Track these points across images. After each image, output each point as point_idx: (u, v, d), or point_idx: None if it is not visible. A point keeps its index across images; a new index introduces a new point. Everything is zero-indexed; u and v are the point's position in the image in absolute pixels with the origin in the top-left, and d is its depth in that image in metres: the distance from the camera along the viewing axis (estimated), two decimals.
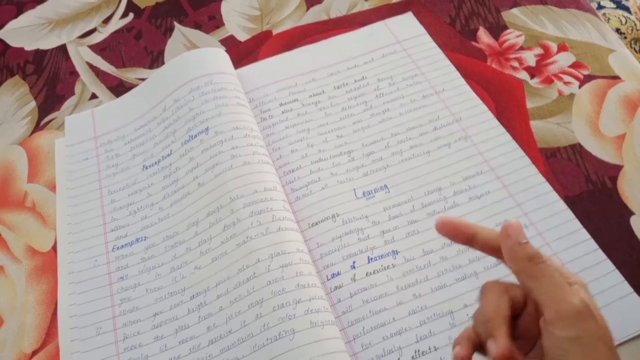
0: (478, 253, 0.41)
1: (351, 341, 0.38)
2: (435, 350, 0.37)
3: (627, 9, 1.10)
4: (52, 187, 0.49)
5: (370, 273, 0.41)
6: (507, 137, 0.47)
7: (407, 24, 0.56)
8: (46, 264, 0.45)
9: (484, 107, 0.49)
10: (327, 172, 0.46)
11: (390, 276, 0.41)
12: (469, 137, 0.47)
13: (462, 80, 0.51)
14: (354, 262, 0.41)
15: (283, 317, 0.37)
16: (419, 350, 0.37)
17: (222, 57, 0.52)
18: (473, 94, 0.50)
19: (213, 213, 0.43)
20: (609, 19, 1.09)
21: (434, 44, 0.54)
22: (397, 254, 0.42)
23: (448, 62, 0.52)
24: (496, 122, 0.48)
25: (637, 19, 1.08)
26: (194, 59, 0.51)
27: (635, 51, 1.04)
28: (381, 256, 0.42)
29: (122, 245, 0.44)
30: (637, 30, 1.07)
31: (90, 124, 0.52)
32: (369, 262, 0.41)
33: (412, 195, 0.45)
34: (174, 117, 0.49)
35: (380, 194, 0.45)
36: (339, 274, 0.41)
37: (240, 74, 0.53)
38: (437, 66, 0.52)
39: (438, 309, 0.39)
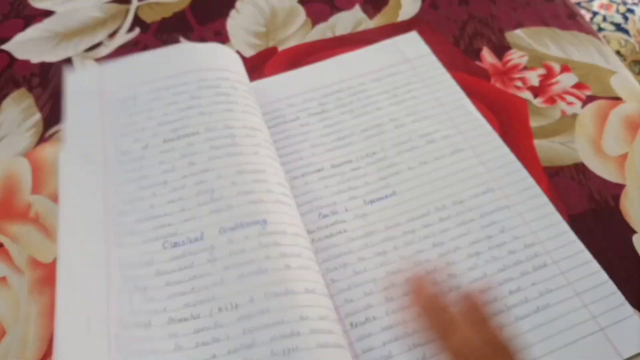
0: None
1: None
2: None
3: (626, 31, 1.13)
4: (56, 199, 0.48)
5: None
6: (512, 157, 0.47)
7: (413, 43, 0.57)
8: (49, 276, 0.45)
9: (489, 127, 0.49)
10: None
11: None
12: (476, 155, 0.48)
13: (467, 100, 0.51)
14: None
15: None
16: None
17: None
18: (479, 114, 0.50)
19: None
20: (608, 41, 1.11)
21: (439, 64, 0.54)
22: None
23: (454, 82, 0.53)
24: (501, 142, 0.48)
25: (636, 41, 1.10)
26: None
27: (635, 73, 1.06)
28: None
29: None
30: (637, 52, 1.09)
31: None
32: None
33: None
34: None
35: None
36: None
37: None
38: (443, 85, 0.53)
39: None
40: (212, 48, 0.52)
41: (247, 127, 0.46)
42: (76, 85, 0.50)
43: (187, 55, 0.51)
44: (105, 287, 0.40)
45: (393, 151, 0.49)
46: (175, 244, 0.41)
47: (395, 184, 0.47)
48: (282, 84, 0.55)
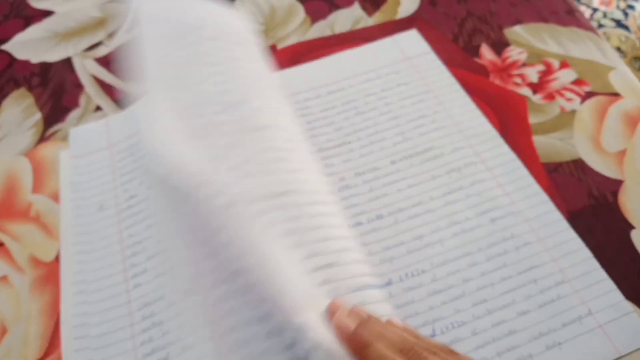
0: None
1: None
2: None
3: (626, 28, 1.12)
4: (57, 198, 0.49)
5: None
6: (512, 155, 0.47)
7: (413, 41, 0.57)
8: (50, 274, 0.45)
9: (489, 126, 0.49)
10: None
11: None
12: (475, 154, 0.48)
13: (468, 99, 0.51)
14: None
15: None
16: None
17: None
18: (479, 113, 0.50)
19: None
20: (609, 37, 1.11)
21: (439, 62, 0.54)
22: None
23: (454, 80, 0.53)
24: (501, 140, 0.48)
25: (636, 37, 1.10)
26: None
27: (636, 69, 1.05)
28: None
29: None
30: (637, 48, 1.09)
31: (103, 133, 0.52)
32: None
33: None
34: None
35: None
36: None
37: None
38: (443, 84, 0.53)
39: None
40: None
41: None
42: (86, 140, 0.52)
43: None
44: (130, 328, 0.41)
45: (393, 150, 0.49)
46: None
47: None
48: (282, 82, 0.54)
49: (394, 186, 0.46)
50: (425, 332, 0.39)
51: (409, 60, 0.55)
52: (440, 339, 0.38)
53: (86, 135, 0.53)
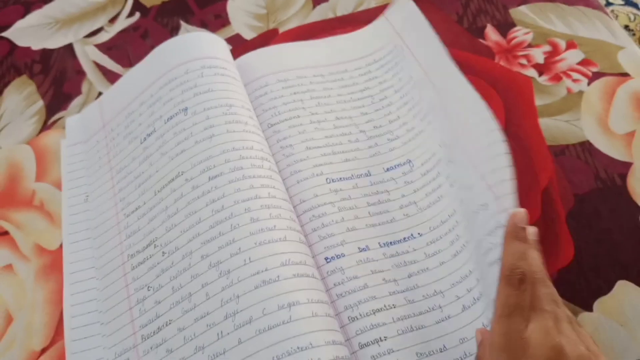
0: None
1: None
2: None
3: (635, 5, 1.10)
4: (60, 186, 0.49)
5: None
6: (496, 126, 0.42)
7: (403, 9, 0.55)
8: (54, 263, 0.45)
9: (477, 96, 0.45)
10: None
11: None
12: (461, 125, 0.46)
13: (461, 75, 0.48)
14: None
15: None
16: None
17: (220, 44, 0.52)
18: (470, 87, 0.47)
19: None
20: (617, 15, 1.09)
21: (434, 34, 0.52)
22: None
23: (442, 48, 0.50)
24: (489, 112, 0.43)
25: None
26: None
27: None
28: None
29: None
30: None
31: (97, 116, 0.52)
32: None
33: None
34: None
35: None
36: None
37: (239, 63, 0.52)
38: (437, 60, 0.51)
39: None
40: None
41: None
42: (81, 129, 0.52)
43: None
44: (127, 303, 0.41)
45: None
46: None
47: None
48: (267, 60, 0.53)
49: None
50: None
51: (400, 38, 0.54)
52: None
53: (81, 123, 0.52)
